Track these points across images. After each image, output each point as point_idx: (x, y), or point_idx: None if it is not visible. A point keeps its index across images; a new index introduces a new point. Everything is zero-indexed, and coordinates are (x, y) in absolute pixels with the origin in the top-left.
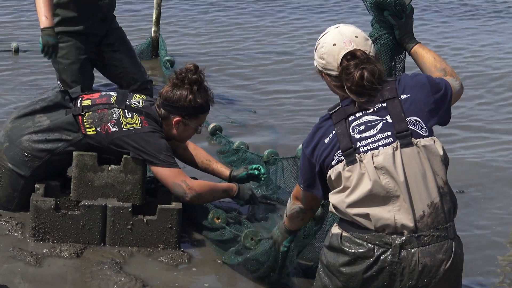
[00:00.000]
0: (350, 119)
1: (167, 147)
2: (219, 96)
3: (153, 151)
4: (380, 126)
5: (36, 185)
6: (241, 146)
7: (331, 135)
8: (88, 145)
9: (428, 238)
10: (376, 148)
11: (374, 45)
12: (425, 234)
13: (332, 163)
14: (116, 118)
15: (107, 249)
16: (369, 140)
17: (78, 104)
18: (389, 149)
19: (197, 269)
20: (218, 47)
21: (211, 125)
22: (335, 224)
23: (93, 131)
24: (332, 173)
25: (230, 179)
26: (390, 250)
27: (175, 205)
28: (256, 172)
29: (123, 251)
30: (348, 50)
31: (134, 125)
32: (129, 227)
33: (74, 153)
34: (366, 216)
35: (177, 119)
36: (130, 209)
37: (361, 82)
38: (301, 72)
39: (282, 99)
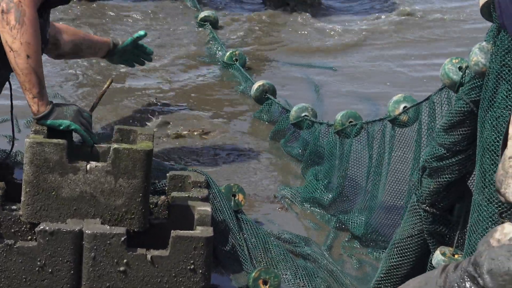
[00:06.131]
0: None
1: None
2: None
3: None
4: None
5: None
6: (303, 114)
7: None
8: None
9: None
10: None
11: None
12: None
13: None
14: None
15: None
16: None
17: None
18: None
19: None
20: None
21: (257, 84)
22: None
23: None
24: None
25: (114, 46)
26: None
27: (201, 230)
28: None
29: None
30: None
31: None
32: (121, 268)
33: (27, 139)
34: None
35: None
36: (123, 238)
37: None
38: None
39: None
